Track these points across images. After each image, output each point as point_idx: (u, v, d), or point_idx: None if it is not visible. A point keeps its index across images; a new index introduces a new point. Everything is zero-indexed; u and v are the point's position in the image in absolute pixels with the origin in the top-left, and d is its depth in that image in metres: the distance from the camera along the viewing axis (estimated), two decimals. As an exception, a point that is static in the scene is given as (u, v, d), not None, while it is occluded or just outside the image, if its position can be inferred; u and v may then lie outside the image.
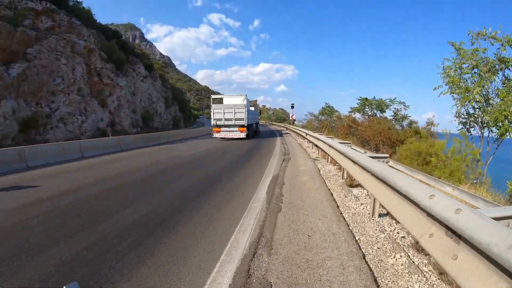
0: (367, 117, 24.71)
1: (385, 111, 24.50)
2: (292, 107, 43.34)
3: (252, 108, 22.39)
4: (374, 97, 25.62)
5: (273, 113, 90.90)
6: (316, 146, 12.40)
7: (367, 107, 25.17)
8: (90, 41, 27.23)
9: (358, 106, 26.27)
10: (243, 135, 19.57)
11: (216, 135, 20.86)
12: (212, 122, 21.06)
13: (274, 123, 66.75)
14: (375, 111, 24.73)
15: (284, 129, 40.58)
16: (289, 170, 8.97)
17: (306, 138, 16.67)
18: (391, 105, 25.10)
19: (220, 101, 21.27)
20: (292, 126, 30.84)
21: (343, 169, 7.31)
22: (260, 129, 28.48)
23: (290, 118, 43.02)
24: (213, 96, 22.08)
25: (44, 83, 19.87)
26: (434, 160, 8.80)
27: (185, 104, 53.45)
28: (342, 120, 25.22)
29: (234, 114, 19.98)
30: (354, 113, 25.32)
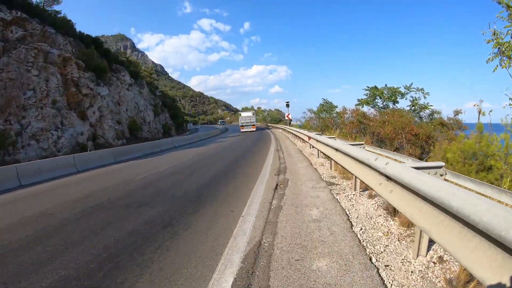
0: (378, 110, 21.36)
1: (397, 102, 21.12)
2: (287, 105, 38.92)
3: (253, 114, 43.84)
4: (386, 85, 21.71)
5: (267, 114, 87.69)
6: (326, 156, 8.52)
7: (377, 97, 21.61)
8: (67, 49, 25.45)
9: (366, 97, 22.55)
10: (254, 129, 40.59)
11: (241, 130, 41.49)
12: (240, 123, 42.75)
13: (269, 124, 63.79)
14: (387, 102, 21.39)
15: (281, 130, 38.08)
16: (287, 227, 4.37)
17: (309, 143, 13.18)
18: (407, 93, 21.35)
19: (241, 115, 46.45)
20: (289, 127, 27.55)
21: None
22: (253, 134, 33.03)
23: (286, 118, 39.89)
24: (241, 114, 47.20)
25: (13, 97, 18.07)
26: (500, 165, 6.42)
27: (177, 111, 51.64)
28: (345, 114, 21.96)
29: (250, 119, 42.12)
30: (362, 106, 21.83)
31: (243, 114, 45.22)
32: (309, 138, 11.71)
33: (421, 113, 20.24)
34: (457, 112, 17.18)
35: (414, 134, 15.91)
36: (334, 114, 22.29)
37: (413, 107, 20.57)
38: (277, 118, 74.64)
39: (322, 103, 23.77)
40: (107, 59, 31.77)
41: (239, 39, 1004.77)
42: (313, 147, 12.01)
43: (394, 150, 14.53)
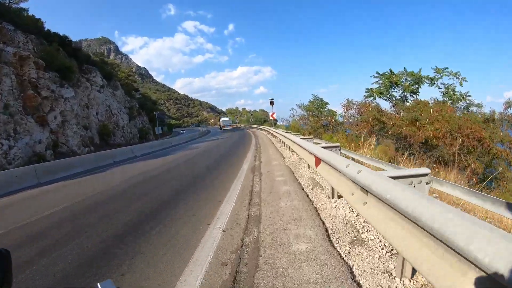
0: (397, 102, 16.54)
1: (418, 92, 16.16)
2: (272, 103, 32.32)
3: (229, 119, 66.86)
4: (405, 69, 16.21)
5: (251, 114, 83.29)
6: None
7: (394, 87, 16.52)
8: (27, 48, 22.99)
9: (379, 87, 17.29)
10: (232, 128, 62.07)
11: (223, 128, 59.39)
12: (221, 124, 63.88)
13: (253, 126, 60.59)
14: (406, 92, 16.58)
15: (265, 132, 34.40)
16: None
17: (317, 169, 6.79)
18: (438, 77, 15.76)
19: (221, 119, 72.44)
20: (274, 129, 23.05)
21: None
22: (231, 139, 28.09)
23: (270, 118, 34.71)
24: (221, 118, 72.80)
25: (-48, 101, 15.67)
26: None
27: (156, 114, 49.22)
28: (349, 109, 17.15)
29: (228, 122, 63.05)
30: (374, 98, 16.84)
31: (223, 119, 69.09)
32: (318, 161, 5.78)
33: (455, 106, 15.30)
34: (509, 104, 13.03)
35: (477, 139, 11.08)
36: (325, 112, 20.19)
37: (448, 98, 15.38)
38: (262, 118, 71.78)
39: (311, 99, 21.52)
40: (77, 59, 29.35)
41: (224, 40, 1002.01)
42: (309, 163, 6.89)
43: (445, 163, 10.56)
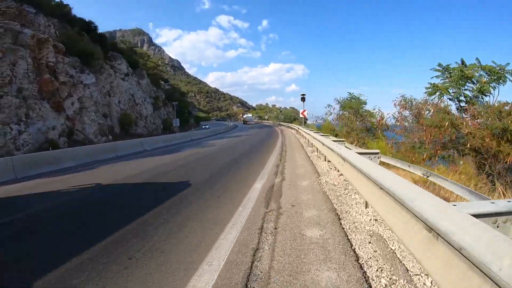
0: (462, 105, 12.29)
1: (489, 93, 11.73)
2: (303, 99, 28.65)
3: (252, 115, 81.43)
4: (478, 61, 11.78)
5: (281, 111, 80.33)
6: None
7: (469, 82, 12.02)
8: (49, 32, 22.14)
9: (446, 82, 12.81)
10: (255, 123, 72.00)
11: (245, 123, 71.10)
12: (244, 120, 79.79)
13: (282, 123, 55.90)
14: (477, 92, 11.75)
15: (294, 131, 29.73)
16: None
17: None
18: None
19: (244, 115, 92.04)
20: (304, 128, 19.93)
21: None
22: (254, 137, 25.56)
23: (301, 115, 29.99)
24: (244, 115, 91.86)
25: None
26: None
27: (184, 105, 48.13)
28: (403, 109, 13.50)
29: (251, 119, 77.88)
30: (441, 96, 12.33)
31: (246, 115, 78.84)
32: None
33: None
34: None
35: None
36: (363, 113, 17.25)
37: None
38: (292, 116, 68.48)
39: (347, 97, 18.40)
40: (102, 46, 28.47)
41: (257, 36, 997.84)
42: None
43: None
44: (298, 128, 23.40)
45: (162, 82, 59.95)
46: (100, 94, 23.26)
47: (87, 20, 28.91)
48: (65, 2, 29.08)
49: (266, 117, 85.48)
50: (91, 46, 24.98)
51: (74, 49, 21.87)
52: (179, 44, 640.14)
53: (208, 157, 11.73)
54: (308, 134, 14.02)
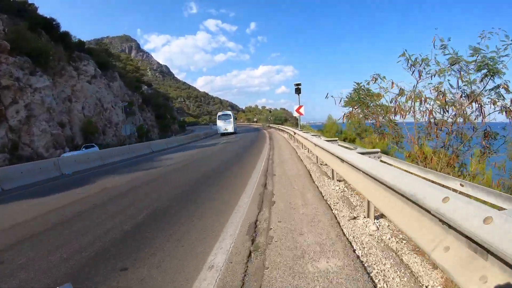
0: None
1: None
2: (298, 90, 20.53)
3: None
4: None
5: (270, 112, 73.92)
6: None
7: None
8: (-6, 28, 18.85)
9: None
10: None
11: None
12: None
13: (272, 125, 49.91)
14: None
15: (287, 135, 22.86)
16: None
17: None
18: None
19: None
20: (302, 133, 14.18)
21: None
22: (234, 145, 19.32)
23: (295, 113, 21.22)
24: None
25: None
26: None
27: (167, 110, 44.83)
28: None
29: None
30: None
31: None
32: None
33: None
34: None
35: None
36: (375, 104, 14.19)
37: None
38: (282, 117, 64.73)
39: (355, 87, 14.84)
40: (65, 45, 25.19)
41: (246, 39, 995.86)
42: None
43: None
44: (295, 133, 16.98)
45: (145, 86, 56.65)
46: (57, 99, 19.95)
47: (48, 18, 25.58)
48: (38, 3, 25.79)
49: (255, 119, 79.38)
50: (48, 45, 21.71)
51: (22, 47, 18.59)
52: (167, 50, 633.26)
53: (125, 200, 6.00)
54: (317, 145, 7.97)
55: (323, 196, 5.30)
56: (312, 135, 11.24)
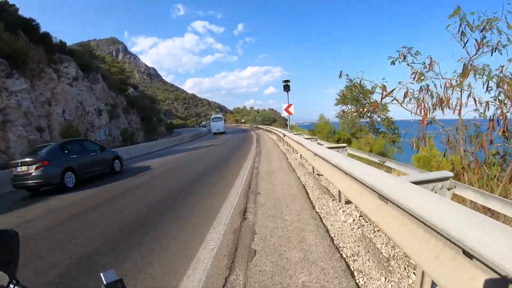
0: None
1: None
2: (287, 88, 19.06)
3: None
4: None
5: (258, 112, 72.49)
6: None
7: None
8: (-35, 28, 17.95)
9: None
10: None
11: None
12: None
13: (260, 126, 50.32)
14: None
15: (275, 136, 22.53)
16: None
17: None
18: None
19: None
20: (292, 136, 12.45)
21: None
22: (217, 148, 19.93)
23: (284, 112, 19.62)
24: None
25: None
26: None
27: (153, 112, 43.96)
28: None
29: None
30: None
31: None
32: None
33: None
34: None
35: None
36: (372, 100, 13.68)
37: None
38: (271, 117, 64.21)
39: (347, 84, 14.18)
40: (46, 46, 24.30)
41: (233, 40, 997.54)
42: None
43: None
44: (284, 135, 15.53)
45: (131, 88, 55.54)
46: (36, 102, 19.15)
47: (27, 18, 24.62)
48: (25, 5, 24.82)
49: (243, 120, 78.39)
50: (26, 46, 20.84)
51: (0, 49, 17.74)
52: (155, 52, 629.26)
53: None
54: (310, 150, 7.08)
55: (332, 239, 3.60)
56: (306, 138, 10.30)
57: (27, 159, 8.87)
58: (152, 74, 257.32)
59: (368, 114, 9.44)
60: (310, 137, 11.65)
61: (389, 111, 12.03)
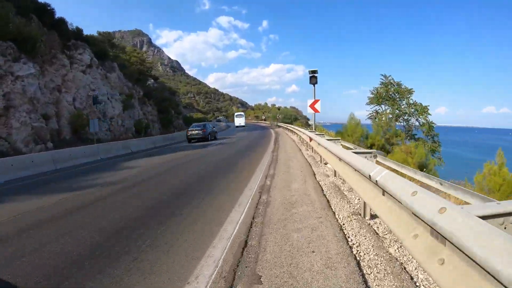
0: None
1: None
2: (313, 80, 14.99)
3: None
4: None
5: (279, 109, 69.02)
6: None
7: None
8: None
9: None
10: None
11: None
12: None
13: (280, 124, 47.07)
14: None
15: (296, 136, 20.29)
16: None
17: None
18: None
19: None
20: (326, 143, 8.19)
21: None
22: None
23: (309, 110, 15.57)
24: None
25: None
26: None
27: (171, 104, 43.06)
28: None
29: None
30: None
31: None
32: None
33: None
34: None
35: None
36: (410, 101, 11.82)
37: None
38: (292, 115, 61.85)
39: (383, 81, 12.30)
40: (60, 32, 23.62)
41: (257, 37, 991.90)
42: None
43: None
44: (310, 139, 11.85)
45: (151, 79, 55.12)
46: (44, 89, 18.31)
47: (41, 2, 23.96)
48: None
49: (263, 117, 75.87)
50: (37, 30, 20.06)
51: (4, 31, 16.94)
52: (179, 45, 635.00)
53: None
54: None
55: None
56: (344, 147, 7.58)
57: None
58: (175, 67, 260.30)
59: (405, 117, 7.64)
60: (351, 146, 8.97)
61: (429, 114, 9.98)
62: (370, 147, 10.52)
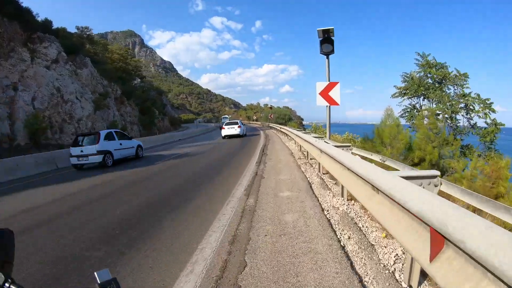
0: None
1: None
2: (327, 46, 9.31)
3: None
4: None
5: (271, 108, 63.93)
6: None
7: None
8: None
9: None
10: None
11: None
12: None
13: (272, 124, 41.66)
14: None
15: (293, 146, 14.34)
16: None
17: None
18: None
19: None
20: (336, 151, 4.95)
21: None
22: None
23: (321, 99, 9.13)
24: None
25: None
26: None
27: (155, 105, 40.36)
28: None
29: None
30: None
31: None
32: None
33: None
34: None
35: None
36: (466, 90, 9.56)
37: None
38: (286, 115, 59.37)
39: (420, 62, 9.72)
40: (24, 24, 20.94)
41: (251, 37, 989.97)
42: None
43: None
44: (322, 152, 6.37)
45: (138, 78, 52.36)
46: (-6, 86, 15.67)
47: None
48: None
49: (254, 118, 72.30)
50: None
51: None
52: (172, 46, 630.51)
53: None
54: None
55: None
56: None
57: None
58: (167, 68, 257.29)
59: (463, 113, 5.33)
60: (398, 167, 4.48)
61: (493, 111, 7.60)
62: (419, 164, 7.56)
